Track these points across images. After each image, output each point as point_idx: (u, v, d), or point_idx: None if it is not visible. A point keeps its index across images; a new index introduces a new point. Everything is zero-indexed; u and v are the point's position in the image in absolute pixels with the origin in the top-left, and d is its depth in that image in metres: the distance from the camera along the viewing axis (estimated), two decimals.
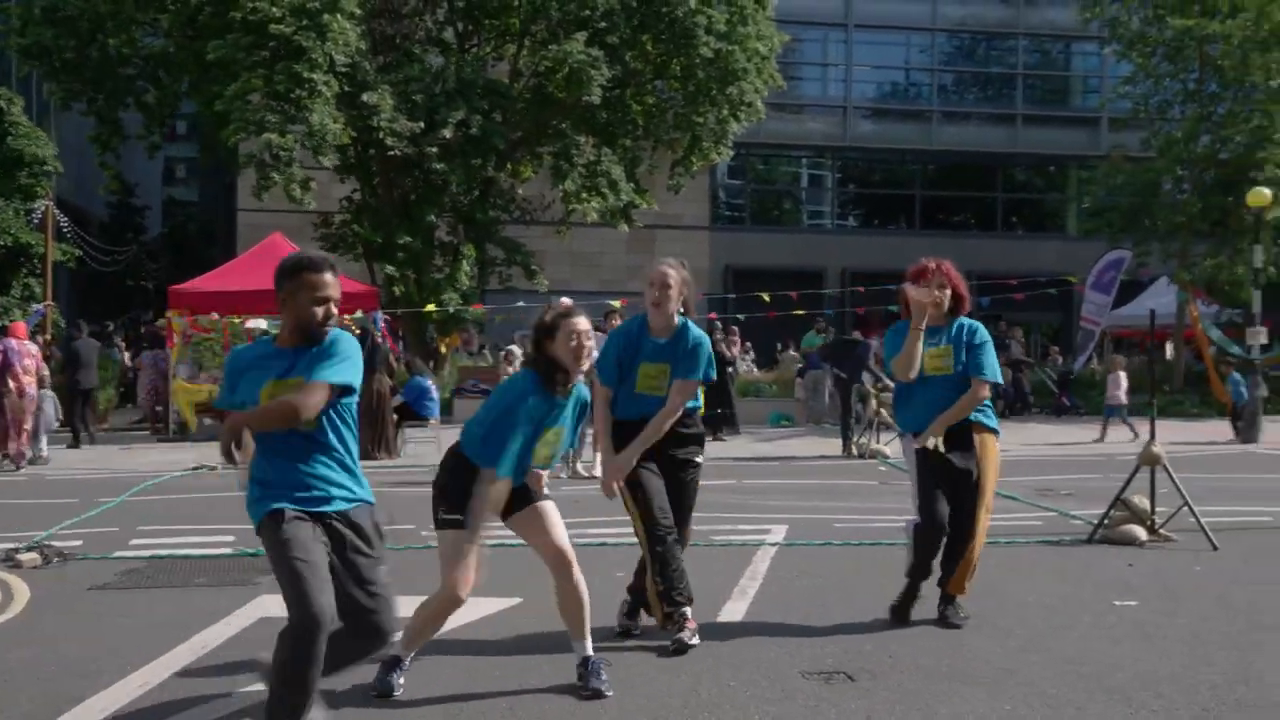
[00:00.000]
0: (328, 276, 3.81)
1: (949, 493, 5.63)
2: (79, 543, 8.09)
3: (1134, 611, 6.00)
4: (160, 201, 61.03)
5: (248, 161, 20.27)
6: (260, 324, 19.47)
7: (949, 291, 5.76)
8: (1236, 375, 18.05)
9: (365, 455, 14.27)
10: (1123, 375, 17.55)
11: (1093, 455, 14.95)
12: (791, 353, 25.34)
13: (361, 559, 3.80)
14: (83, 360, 16.98)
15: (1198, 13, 21.51)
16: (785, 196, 40.44)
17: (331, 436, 3.83)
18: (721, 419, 17.60)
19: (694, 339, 5.43)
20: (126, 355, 25.23)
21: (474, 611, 5.87)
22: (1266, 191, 16.94)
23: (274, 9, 19.22)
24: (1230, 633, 5.55)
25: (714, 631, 5.52)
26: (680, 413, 5.35)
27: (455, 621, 5.59)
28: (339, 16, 19.68)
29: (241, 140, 19.98)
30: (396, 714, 4.35)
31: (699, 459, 5.52)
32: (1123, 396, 17.22)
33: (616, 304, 16.28)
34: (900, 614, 5.73)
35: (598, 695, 4.50)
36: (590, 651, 4.65)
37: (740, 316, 26.18)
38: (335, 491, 3.82)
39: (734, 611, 5.99)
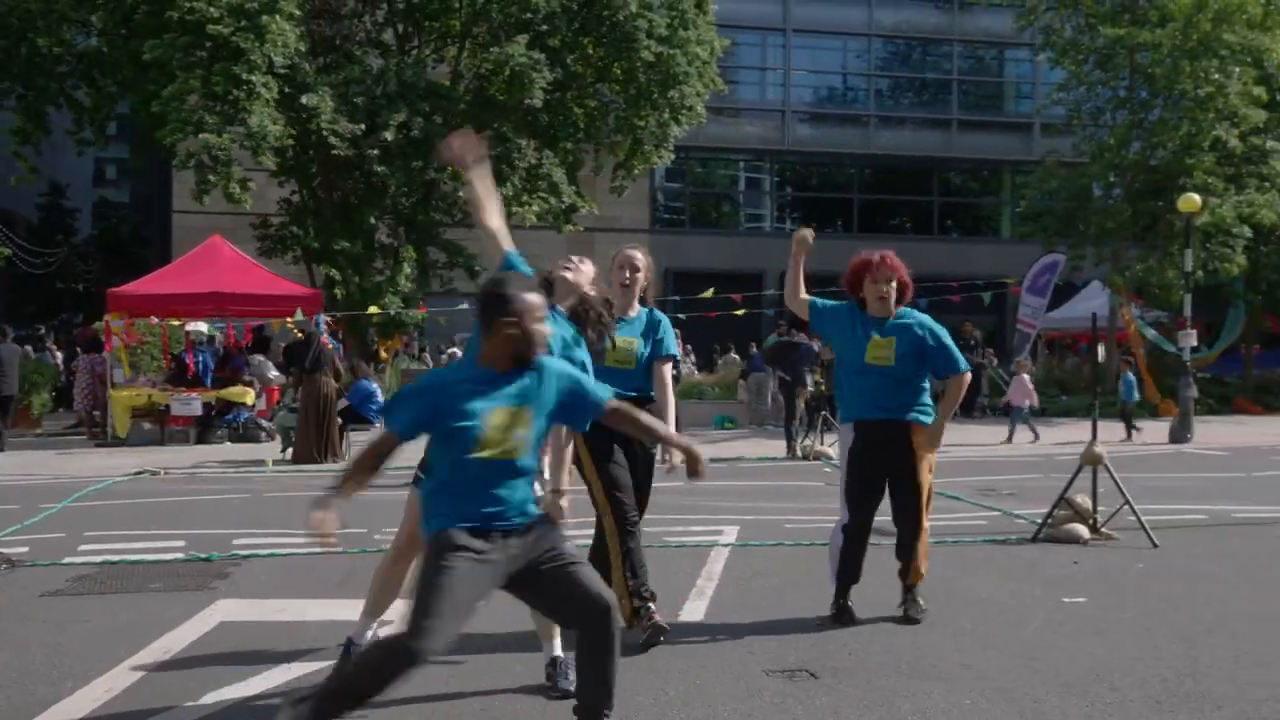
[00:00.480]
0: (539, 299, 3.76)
1: (892, 489, 5.74)
2: (25, 549, 7.96)
3: (1083, 608, 6.16)
4: (91, 203, 59.92)
5: (185, 162, 20.00)
6: (201, 327, 19.25)
7: (894, 284, 5.81)
8: (1130, 376, 18.45)
9: (309, 459, 14.23)
10: (1026, 378, 17.83)
11: (1032, 455, 15.24)
12: (733, 355, 25.54)
13: None
14: (4, 365, 16.63)
15: (1128, 22, 22.00)
16: (724, 200, 40.68)
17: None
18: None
19: (659, 317, 5.63)
20: (60, 359, 24.75)
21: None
22: (1196, 197, 17.37)
23: (211, 9, 18.99)
24: (1177, 626, 5.72)
25: (677, 631, 5.57)
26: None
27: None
28: (278, 18, 19.50)
29: (179, 140, 19.71)
30: (369, 713, 4.35)
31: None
32: (1026, 401, 17.43)
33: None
34: (842, 620, 5.76)
35: (567, 695, 4.54)
36: (559, 651, 4.68)
37: (681, 317, 26.34)
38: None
39: (694, 611, 6.06)
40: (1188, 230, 17.95)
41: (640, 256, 5.61)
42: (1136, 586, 6.76)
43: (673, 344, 5.61)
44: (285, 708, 3.56)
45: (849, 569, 5.77)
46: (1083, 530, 8.31)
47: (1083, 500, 8.54)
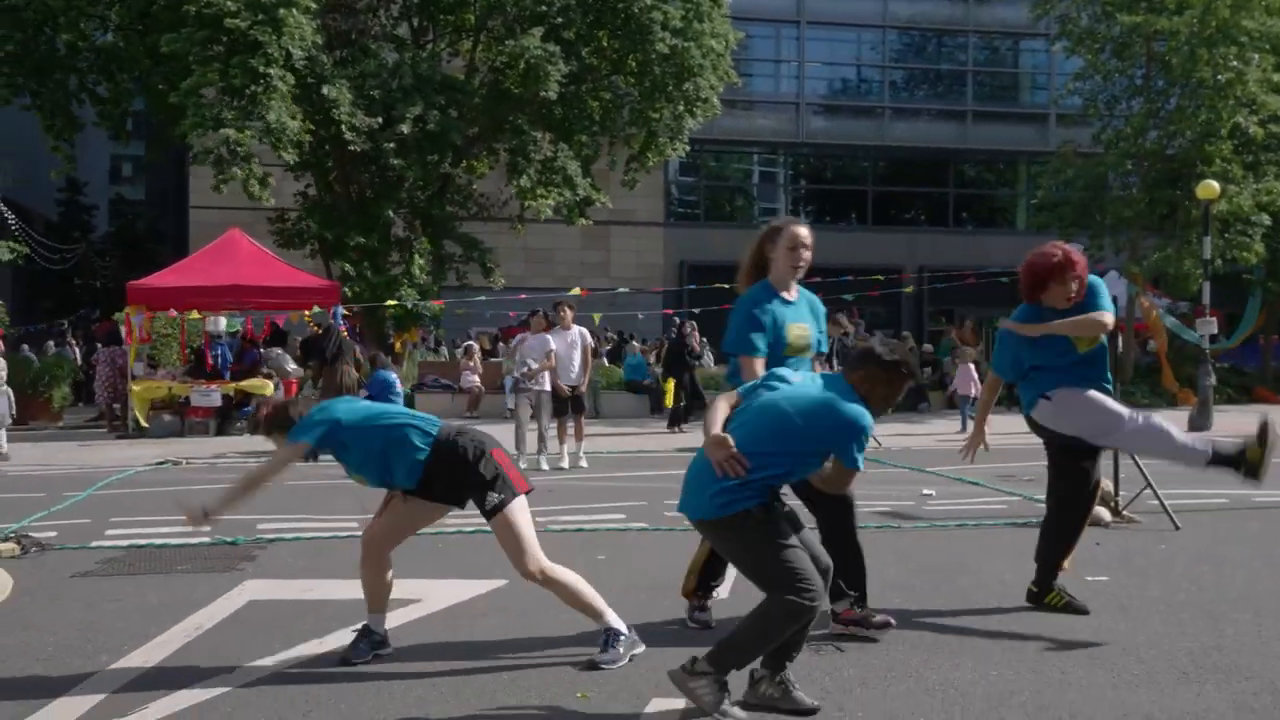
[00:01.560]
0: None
1: None
2: (54, 534, 8.03)
3: (1107, 586, 6.17)
4: (107, 200, 60.22)
5: (204, 157, 20.10)
6: (221, 324, 19.36)
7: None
8: None
9: None
10: (972, 367, 17.66)
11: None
12: None
13: None
14: None
15: (1145, 9, 21.89)
16: (738, 193, 40.67)
17: None
18: (689, 411, 17.80)
19: (813, 297, 5.42)
20: (79, 353, 24.89)
21: (462, 592, 5.95)
22: (1215, 184, 17.31)
23: (229, 3, 19.07)
24: (1201, 603, 5.73)
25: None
26: None
27: (445, 602, 5.68)
28: (294, 10, 19.56)
29: (199, 135, 19.80)
30: (400, 686, 4.40)
31: None
32: (973, 389, 17.04)
33: (576, 291, 16.37)
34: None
35: (593, 666, 4.58)
36: (612, 623, 4.71)
37: (696, 311, 26.34)
38: None
39: (722, 589, 6.08)
40: (1206, 217, 17.88)
41: (810, 235, 5.18)
42: (1159, 566, 6.77)
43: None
44: (691, 678, 3.99)
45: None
46: (1104, 513, 8.31)
47: (1104, 484, 8.53)
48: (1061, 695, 4.29)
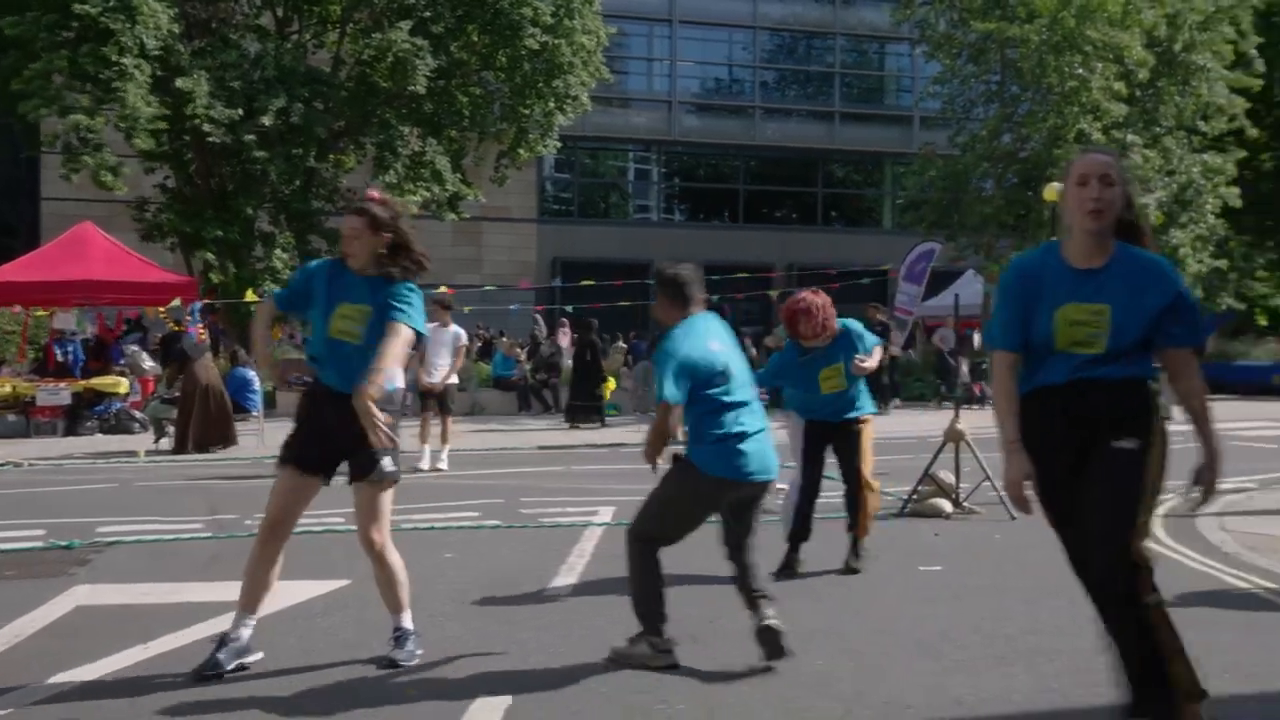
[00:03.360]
0: None
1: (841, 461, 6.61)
2: None
3: (940, 575, 6.39)
4: None
5: (52, 142, 19.38)
6: (70, 318, 18.72)
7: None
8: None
9: (188, 448, 13.93)
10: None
11: (906, 438, 15.60)
12: (619, 343, 25.67)
13: None
14: None
15: (998, 17, 22.63)
16: (612, 190, 40.80)
17: None
18: (589, 409, 17.81)
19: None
20: None
21: (301, 593, 5.88)
22: (1059, 187, 17.93)
23: None
24: (1024, 590, 5.97)
25: (541, 601, 5.68)
26: None
27: (287, 601, 5.60)
28: None
29: (43, 118, 19.04)
30: (215, 690, 4.32)
31: None
32: None
33: (443, 289, 16.19)
34: (789, 574, 6.39)
35: (392, 664, 4.56)
36: (407, 623, 4.70)
37: (568, 307, 26.40)
38: None
39: (563, 586, 6.13)
40: (1053, 219, 18.55)
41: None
42: (993, 555, 7.03)
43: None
44: (632, 646, 4.56)
45: (801, 531, 6.61)
46: (945, 505, 8.60)
47: (946, 476, 8.83)
48: (880, 682, 4.44)
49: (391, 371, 4.54)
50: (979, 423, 17.32)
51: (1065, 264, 3.65)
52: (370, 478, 4.54)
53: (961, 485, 8.82)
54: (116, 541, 7.56)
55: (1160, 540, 7.58)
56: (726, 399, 4.69)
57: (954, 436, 8.81)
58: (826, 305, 6.46)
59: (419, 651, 4.69)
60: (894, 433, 16.27)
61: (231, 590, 5.76)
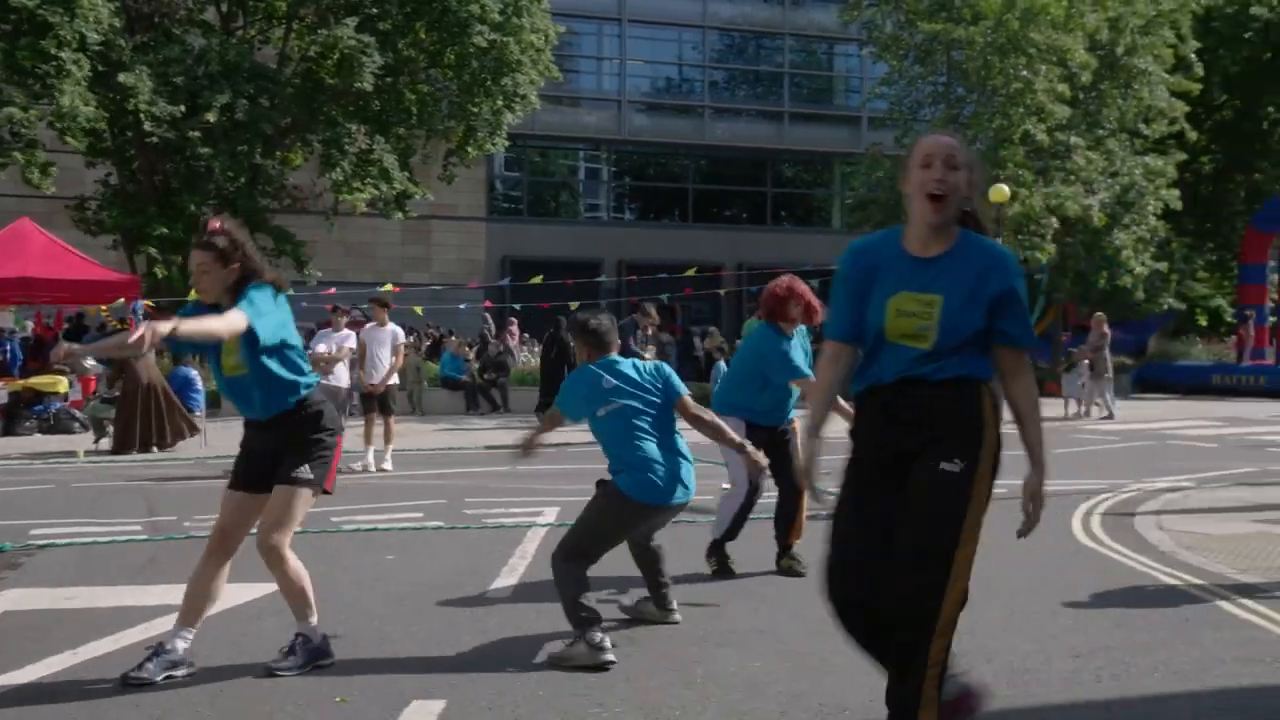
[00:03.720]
0: None
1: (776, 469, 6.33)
2: None
3: None
4: None
5: None
6: (8, 316, 18.39)
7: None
8: None
9: (129, 448, 13.72)
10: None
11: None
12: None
13: None
14: None
15: (944, 19, 22.85)
16: (562, 188, 40.71)
17: None
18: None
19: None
20: None
21: (240, 596, 5.79)
22: (1005, 188, 18.17)
23: None
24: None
25: (481, 604, 5.65)
26: None
27: (227, 604, 5.52)
28: None
29: None
30: (149, 699, 4.25)
31: None
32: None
33: (388, 286, 16.09)
34: (724, 573, 6.44)
35: (270, 673, 4.47)
36: (305, 630, 4.62)
37: (516, 306, 26.29)
38: None
39: (503, 587, 6.10)
40: (998, 220, 18.75)
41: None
42: None
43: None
44: (569, 648, 4.64)
45: (734, 531, 6.59)
46: None
47: None
48: (818, 683, 4.45)
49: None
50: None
51: (904, 251, 3.42)
52: (291, 476, 4.45)
53: None
54: (50, 544, 7.42)
55: (1097, 537, 7.69)
56: (642, 425, 4.96)
57: None
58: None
59: (319, 663, 4.59)
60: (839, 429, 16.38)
61: (166, 594, 5.72)
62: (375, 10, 22.58)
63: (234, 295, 4.40)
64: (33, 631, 5.16)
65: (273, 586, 5.97)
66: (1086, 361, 19.34)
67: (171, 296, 20.71)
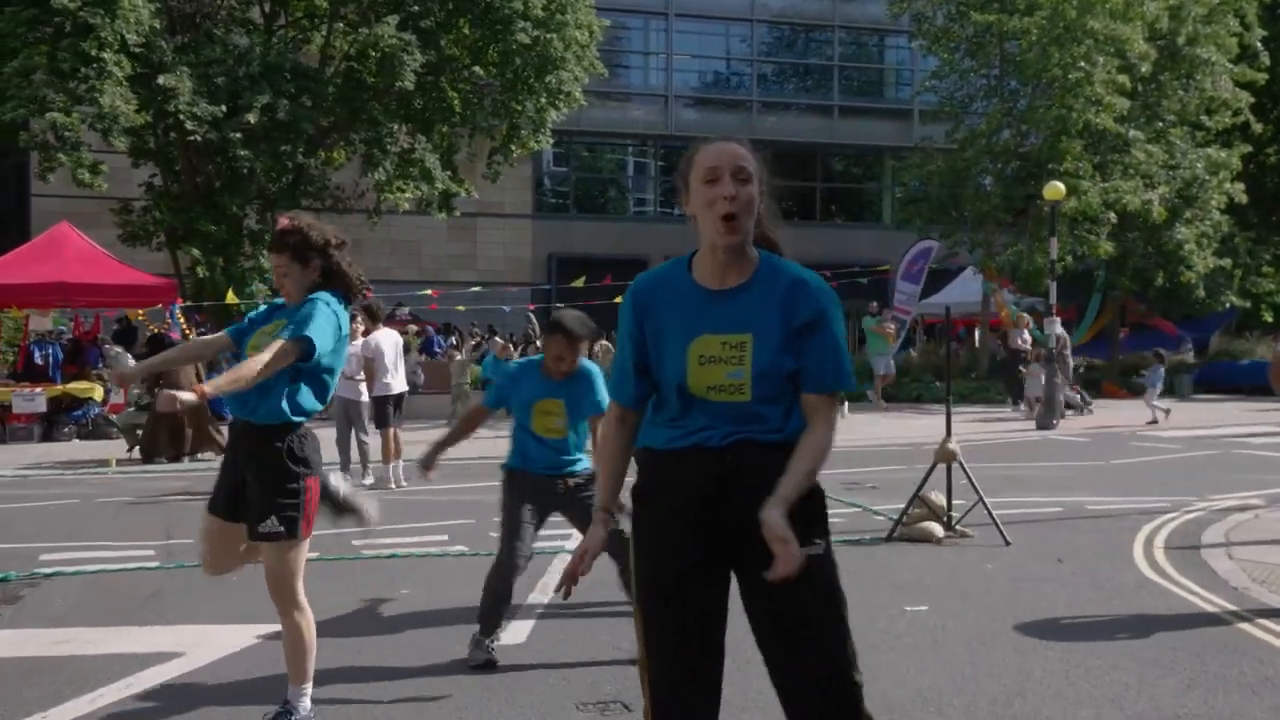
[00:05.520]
0: None
1: None
2: None
3: (924, 617, 5.95)
4: None
5: (29, 141, 19.00)
6: (47, 321, 18.33)
7: None
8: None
9: (158, 458, 13.53)
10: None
11: (900, 445, 15.19)
12: (605, 343, 25.23)
13: None
14: None
15: (997, 9, 22.19)
16: (610, 185, 40.37)
17: None
18: None
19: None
20: None
21: (232, 641, 5.47)
22: (1060, 186, 17.54)
23: None
24: (1014, 636, 5.55)
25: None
26: None
27: (212, 654, 5.19)
28: None
29: (22, 118, 18.67)
30: None
31: None
32: None
33: (427, 292, 15.76)
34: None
35: None
36: (295, 700, 4.20)
37: (561, 306, 25.95)
38: None
39: (517, 633, 5.70)
40: (1053, 218, 18.10)
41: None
42: (982, 590, 6.60)
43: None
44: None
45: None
46: (937, 529, 8.17)
47: (937, 497, 8.40)
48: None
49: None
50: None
51: (696, 285, 2.80)
52: (260, 531, 4.04)
53: (954, 506, 8.39)
54: (56, 573, 7.14)
55: (1162, 568, 7.17)
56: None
57: (945, 456, 8.38)
58: None
59: None
60: (885, 440, 15.86)
61: (159, 638, 5.42)
62: (417, 8, 22.32)
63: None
64: (5, 688, 4.82)
65: (270, 627, 5.66)
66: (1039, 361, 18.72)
67: (215, 299, 20.58)
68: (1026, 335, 20.46)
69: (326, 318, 4.08)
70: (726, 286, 2.77)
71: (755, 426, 2.70)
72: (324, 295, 4.15)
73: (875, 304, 22.28)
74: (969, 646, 5.37)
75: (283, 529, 4.02)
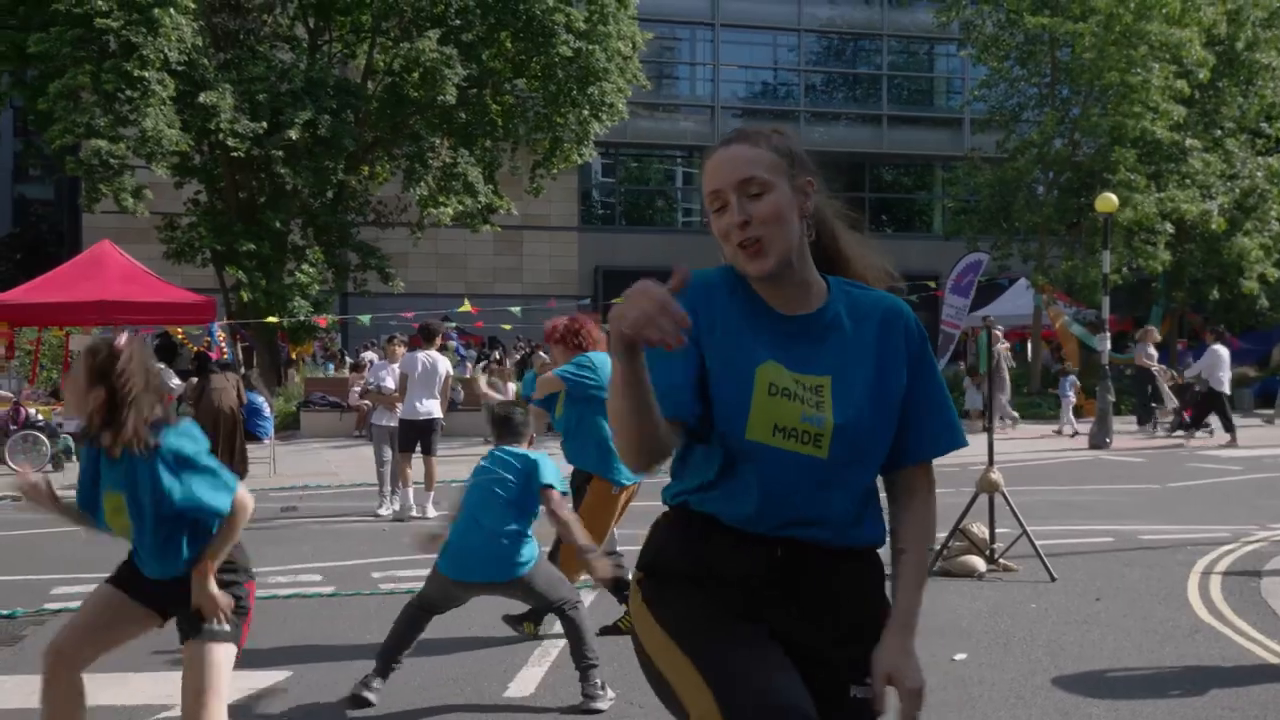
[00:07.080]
0: None
1: None
2: None
3: (961, 668, 5.60)
4: (11, 199, 58.08)
5: (76, 168, 19.12)
6: (87, 341, 18.35)
7: None
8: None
9: None
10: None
11: (945, 465, 14.75)
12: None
13: None
14: None
15: (1049, 14, 21.70)
16: (658, 196, 40.17)
17: None
18: None
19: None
20: None
21: (245, 684, 5.24)
22: (1113, 198, 17.02)
23: (100, 2, 18.11)
24: (1056, 692, 5.19)
25: (498, 711, 4.98)
26: None
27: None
28: (172, 11, 18.64)
29: (69, 142, 18.79)
30: None
31: None
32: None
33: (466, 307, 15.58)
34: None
35: None
36: None
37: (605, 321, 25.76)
38: None
39: (525, 683, 5.43)
40: (1106, 231, 17.58)
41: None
42: (1024, 634, 6.24)
43: None
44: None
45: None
46: (979, 563, 7.81)
47: (979, 529, 8.04)
48: None
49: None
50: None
51: (761, 300, 2.17)
52: (204, 628, 3.61)
53: (998, 536, 8.02)
54: (63, 609, 6.97)
55: (1218, 610, 6.76)
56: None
57: (988, 487, 8.01)
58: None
59: None
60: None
61: (154, 686, 5.19)
62: (459, 22, 22.24)
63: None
64: None
65: (271, 675, 5.44)
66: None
67: (256, 318, 20.55)
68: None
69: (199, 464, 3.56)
70: (795, 313, 2.16)
71: (819, 527, 2.10)
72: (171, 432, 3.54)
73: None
74: (1007, 703, 5.03)
75: (229, 628, 3.62)
